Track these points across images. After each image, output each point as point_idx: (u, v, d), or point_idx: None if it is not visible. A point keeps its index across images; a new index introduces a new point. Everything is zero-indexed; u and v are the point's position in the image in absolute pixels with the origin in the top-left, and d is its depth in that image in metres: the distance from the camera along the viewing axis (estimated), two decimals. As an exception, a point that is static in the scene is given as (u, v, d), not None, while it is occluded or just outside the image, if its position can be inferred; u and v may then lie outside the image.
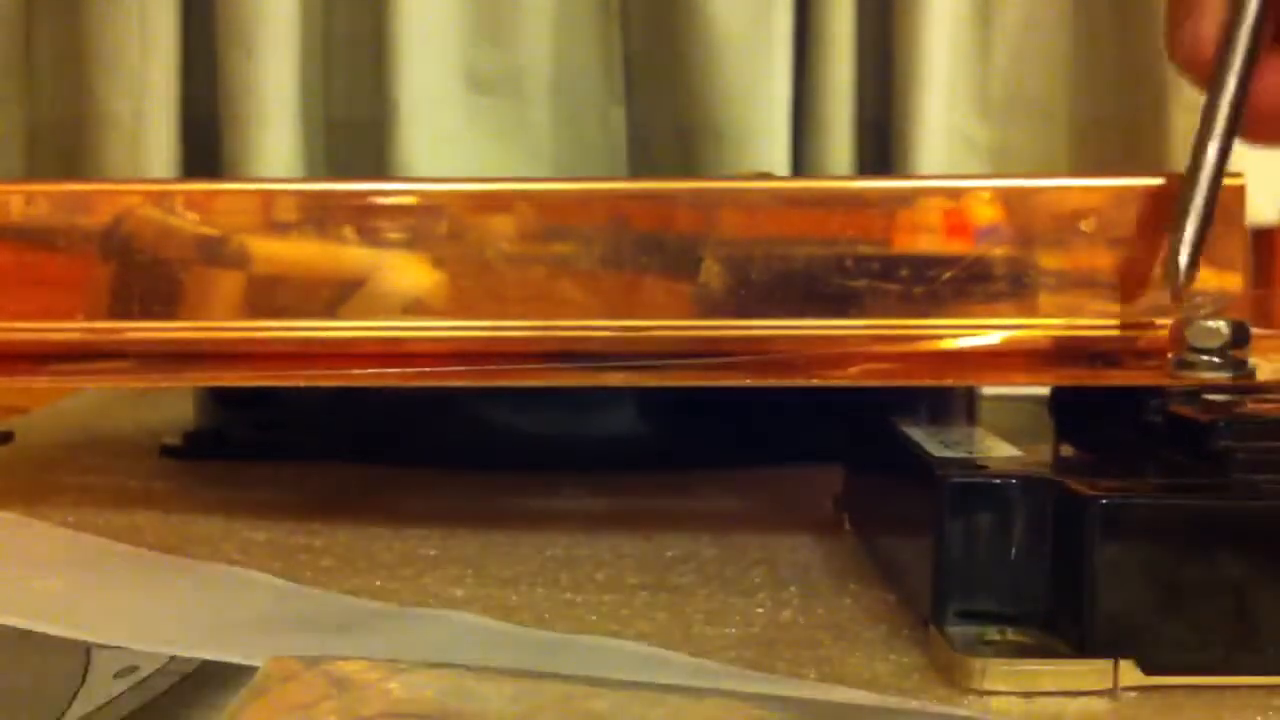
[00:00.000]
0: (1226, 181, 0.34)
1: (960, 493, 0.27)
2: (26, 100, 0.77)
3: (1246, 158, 0.62)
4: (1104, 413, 0.33)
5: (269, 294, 0.35)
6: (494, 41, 0.75)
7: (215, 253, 0.35)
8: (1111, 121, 0.74)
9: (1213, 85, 0.32)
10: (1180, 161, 0.34)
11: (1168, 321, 0.32)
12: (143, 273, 0.35)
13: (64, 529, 0.37)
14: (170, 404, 0.57)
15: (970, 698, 0.25)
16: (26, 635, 0.28)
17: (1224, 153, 0.32)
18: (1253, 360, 0.31)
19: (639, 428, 0.47)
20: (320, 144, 0.76)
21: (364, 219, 0.35)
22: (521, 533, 0.38)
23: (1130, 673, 0.25)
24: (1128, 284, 0.34)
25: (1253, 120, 0.33)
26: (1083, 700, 0.25)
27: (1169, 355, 0.31)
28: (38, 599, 0.31)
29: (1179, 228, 0.32)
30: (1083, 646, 0.25)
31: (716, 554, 0.36)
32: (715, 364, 0.33)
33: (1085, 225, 0.34)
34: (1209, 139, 0.32)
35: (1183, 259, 0.31)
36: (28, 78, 0.77)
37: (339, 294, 0.35)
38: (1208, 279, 0.33)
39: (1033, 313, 0.34)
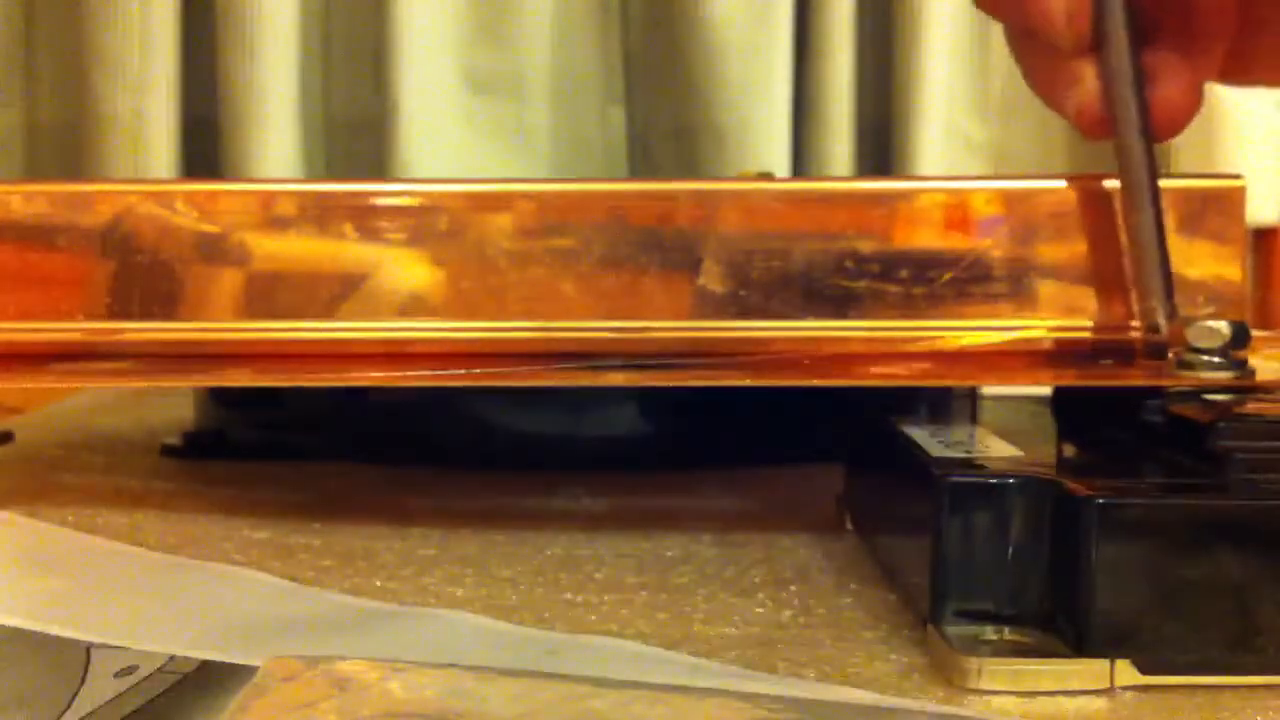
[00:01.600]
0: (1227, 182, 0.34)
1: (958, 492, 0.27)
2: (26, 100, 0.77)
3: (1247, 158, 0.63)
4: (1104, 413, 0.33)
5: (269, 294, 0.35)
6: (494, 42, 0.75)
7: (215, 253, 0.35)
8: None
9: (1121, 156, 0.32)
10: (1179, 162, 0.34)
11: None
12: (143, 273, 0.35)
13: (64, 529, 0.38)
14: (170, 404, 0.57)
15: (971, 697, 0.25)
16: (26, 635, 0.28)
17: (1157, 211, 0.32)
18: (1253, 360, 0.31)
19: (639, 428, 0.47)
20: (320, 144, 0.76)
21: (364, 219, 0.35)
22: (521, 533, 0.38)
23: (1128, 672, 0.25)
24: (1127, 284, 0.34)
25: (1171, 127, 0.32)
26: (1081, 700, 0.25)
27: (1169, 355, 0.32)
28: (38, 599, 0.31)
29: (1145, 294, 0.32)
30: (1080, 646, 0.25)
31: (716, 554, 0.36)
32: (720, 364, 0.33)
33: (1084, 225, 0.34)
34: (1139, 207, 0.32)
35: (1161, 320, 0.32)
36: (28, 78, 0.77)
37: (339, 294, 0.35)
38: (1208, 276, 0.33)
39: (1033, 313, 0.34)
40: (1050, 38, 0.32)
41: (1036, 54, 0.33)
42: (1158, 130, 0.32)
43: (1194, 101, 0.32)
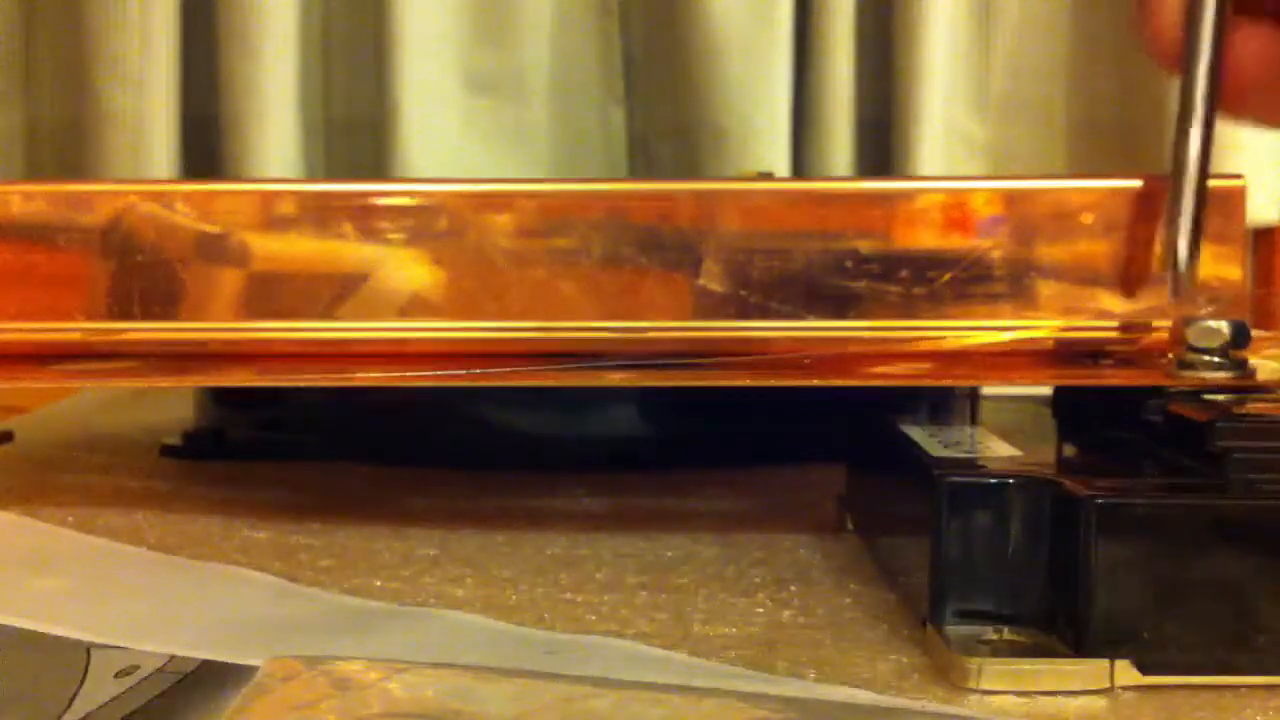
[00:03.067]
0: (1227, 182, 0.34)
1: (958, 492, 0.27)
2: (26, 100, 0.77)
3: (1247, 158, 0.62)
4: (1104, 413, 0.33)
5: (269, 294, 0.35)
6: (494, 42, 0.75)
7: (215, 253, 0.35)
8: (1111, 122, 0.74)
9: (1184, 71, 0.31)
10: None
11: (1168, 322, 0.32)
12: (143, 273, 0.35)
13: (64, 529, 0.38)
14: (170, 404, 0.57)
15: (971, 697, 0.25)
16: (26, 635, 0.28)
17: (1207, 140, 0.31)
18: (1253, 360, 0.31)
19: (639, 428, 0.47)
20: (320, 144, 0.76)
21: (364, 219, 0.35)
22: (521, 533, 0.38)
23: (1128, 672, 0.25)
24: (1127, 284, 0.34)
25: (1234, 94, 0.32)
26: (1081, 700, 0.25)
27: (1169, 355, 0.32)
28: (38, 599, 0.31)
29: (1174, 223, 0.31)
30: (1079, 646, 0.25)
31: (716, 554, 0.36)
32: (720, 364, 0.33)
33: (1084, 225, 0.34)
34: (1190, 126, 0.32)
35: (1182, 252, 0.31)
36: (28, 78, 0.77)
37: (339, 294, 0.35)
38: (1208, 276, 0.33)
39: (1033, 313, 0.34)
40: None
41: None
42: (1240, 79, 0.31)
43: (1266, 68, 0.32)
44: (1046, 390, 0.37)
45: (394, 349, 0.35)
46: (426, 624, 0.29)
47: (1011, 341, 0.34)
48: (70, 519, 0.38)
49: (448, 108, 0.74)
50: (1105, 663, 0.25)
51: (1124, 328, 0.34)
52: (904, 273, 0.34)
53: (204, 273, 0.35)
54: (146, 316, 0.35)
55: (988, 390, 0.39)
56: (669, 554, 0.36)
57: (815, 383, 0.33)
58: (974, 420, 0.36)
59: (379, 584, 0.33)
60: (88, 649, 0.27)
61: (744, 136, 0.73)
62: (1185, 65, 0.32)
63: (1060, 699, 0.25)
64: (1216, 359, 0.30)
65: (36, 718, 0.23)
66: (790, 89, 0.73)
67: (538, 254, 0.34)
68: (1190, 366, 0.31)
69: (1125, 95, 0.74)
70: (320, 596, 0.32)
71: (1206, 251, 0.33)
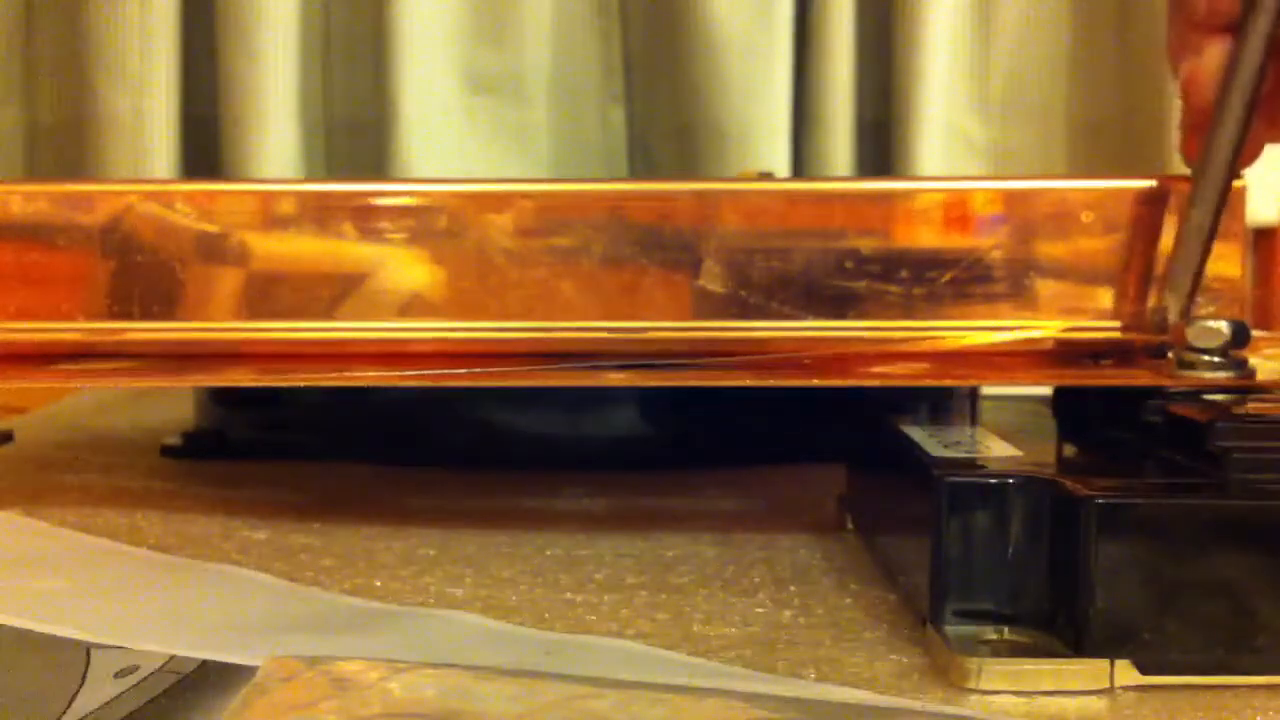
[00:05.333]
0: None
1: (958, 492, 0.27)
2: (26, 100, 0.77)
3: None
4: (1104, 413, 0.33)
5: (269, 294, 0.35)
6: (494, 42, 0.75)
7: (215, 253, 0.35)
8: (1111, 122, 0.74)
9: (1207, 146, 0.32)
10: (1179, 163, 0.34)
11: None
12: (143, 273, 0.35)
13: (64, 529, 0.38)
14: (170, 404, 0.57)
15: (971, 697, 0.25)
16: (26, 635, 0.28)
17: (1216, 213, 0.32)
18: (1253, 360, 0.31)
19: (639, 428, 0.47)
20: (320, 144, 0.76)
21: (364, 220, 0.35)
22: (521, 533, 0.38)
23: (1128, 672, 0.25)
24: (1127, 284, 0.34)
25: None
26: (1081, 700, 0.25)
27: (1169, 355, 0.32)
28: (38, 599, 0.31)
29: (1171, 279, 0.32)
30: (1079, 646, 0.25)
31: (716, 554, 0.36)
32: (720, 364, 0.33)
33: (1084, 225, 0.34)
34: (1196, 203, 0.32)
35: (1172, 315, 0.31)
36: (28, 78, 0.77)
37: (339, 294, 0.35)
38: (1208, 277, 0.33)
39: (1033, 313, 0.34)
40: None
41: (1175, 10, 0.33)
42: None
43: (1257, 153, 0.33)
44: (1046, 390, 0.37)
45: (394, 349, 0.35)
46: (426, 624, 0.29)
47: (1011, 341, 0.34)
48: (70, 519, 0.38)
49: (448, 108, 0.74)
50: (1105, 663, 0.25)
51: (1124, 328, 0.34)
52: (904, 273, 0.34)
53: (204, 273, 0.35)
54: (146, 316, 0.35)
55: (988, 390, 0.39)
56: (669, 554, 0.36)
57: (815, 383, 0.33)
58: (974, 420, 0.36)
59: (379, 584, 0.33)
60: (88, 649, 0.27)
61: (744, 136, 0.73)
62: (1204, 154, 0.32)
63: (1060, 699, 0.25)
64: (1216, 359, 0.30)
65: (36, 718, 0.23)
66: (790, 89, 0.73)
67: (537, 254, 0.34)
68: (1190, 366, 0.31)
69: (1125, 95, 0.73)
70: (320, 596, 0.32)
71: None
